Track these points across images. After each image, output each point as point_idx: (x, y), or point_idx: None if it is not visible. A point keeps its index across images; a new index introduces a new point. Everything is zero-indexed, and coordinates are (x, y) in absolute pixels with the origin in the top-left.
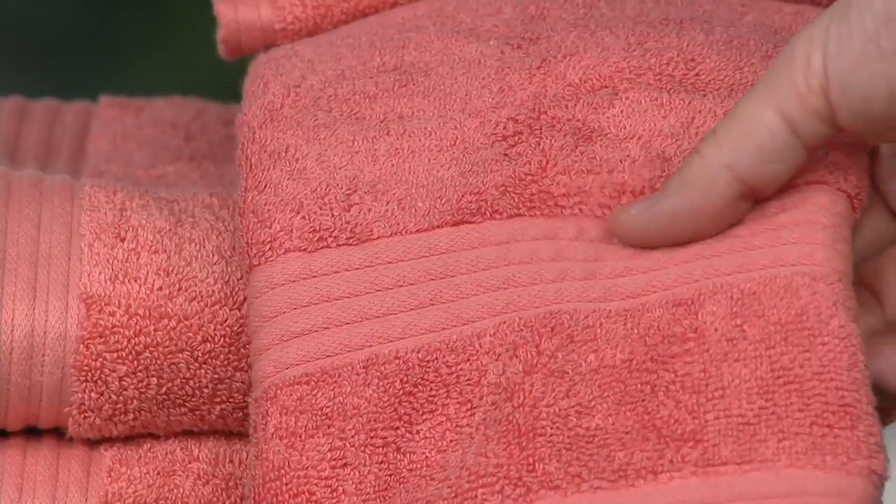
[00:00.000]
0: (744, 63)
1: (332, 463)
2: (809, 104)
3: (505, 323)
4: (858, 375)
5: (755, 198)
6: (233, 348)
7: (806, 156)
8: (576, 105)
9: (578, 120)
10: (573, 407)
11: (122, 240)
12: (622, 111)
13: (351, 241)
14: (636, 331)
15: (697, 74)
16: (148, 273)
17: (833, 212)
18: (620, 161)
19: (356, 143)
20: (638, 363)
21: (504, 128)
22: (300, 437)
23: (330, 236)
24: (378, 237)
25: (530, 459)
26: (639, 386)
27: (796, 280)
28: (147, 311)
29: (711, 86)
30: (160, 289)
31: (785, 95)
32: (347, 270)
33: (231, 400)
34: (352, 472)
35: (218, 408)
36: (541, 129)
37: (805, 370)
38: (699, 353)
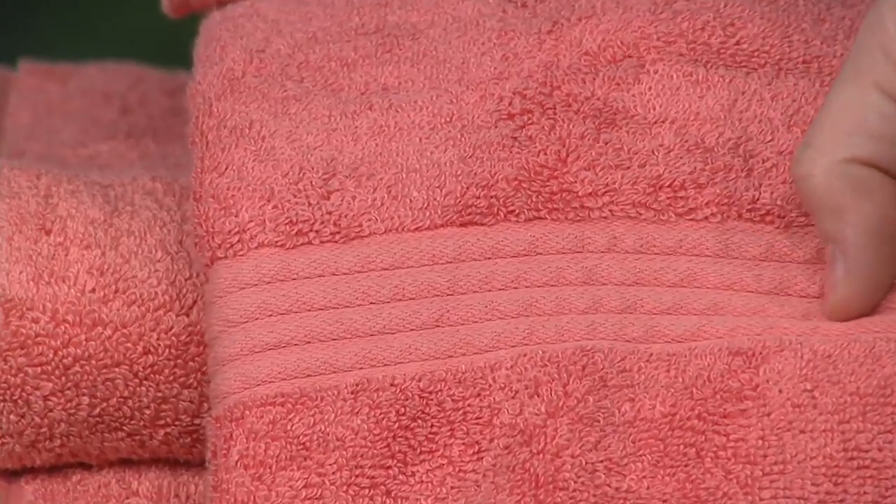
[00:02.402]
0: (792, 30)
1: (307, 502)
2: None
3: (525, 356)
4: None
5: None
6: (179, 361)
7: None
8: (594, 80)
9: (598, 98)
10: (602, 462)
11: (48, 233)
12: (650, 88)
13: (336, 236)
14: (681, 380)
15: (738, 43)
16: (78, 272)
17: None
18: (653, 151)
19: (333, 118)
20: (682, 419)
21: (510, 104)
22: (270, 468)
23: (311, 230)
24: (369, 234)
25: None
26: (681, 447)
27: (879, 346)
28: (77, 318)
29: (756, 60)
30: (93, 291)
31: (883, 71)
32: (334, 275)
33: (177, 423)
34: None
35: (161, 432)
36: (554, 108)
37: (884, 455)
38: (758, 416)
